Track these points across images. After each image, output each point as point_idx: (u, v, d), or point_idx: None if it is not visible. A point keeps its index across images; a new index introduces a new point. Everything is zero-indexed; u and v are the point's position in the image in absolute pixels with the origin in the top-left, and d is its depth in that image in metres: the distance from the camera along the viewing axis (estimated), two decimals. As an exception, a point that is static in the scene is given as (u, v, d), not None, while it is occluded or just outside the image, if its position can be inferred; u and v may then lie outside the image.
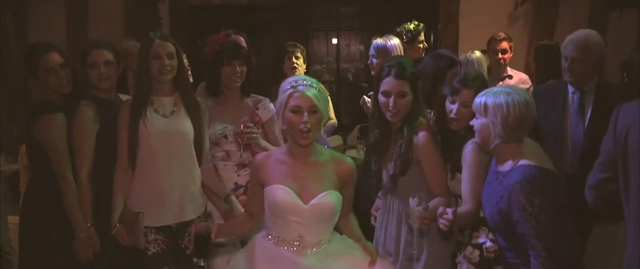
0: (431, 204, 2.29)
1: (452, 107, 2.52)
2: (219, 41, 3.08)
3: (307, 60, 4.15)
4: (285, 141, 2.32)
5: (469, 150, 2.44)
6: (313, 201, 2.23)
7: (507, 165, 2.22)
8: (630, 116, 1.96)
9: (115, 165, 2.70)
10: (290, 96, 2.21)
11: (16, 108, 4.38)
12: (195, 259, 2.27)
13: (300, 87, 2.21)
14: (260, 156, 2.42)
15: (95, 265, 2.82)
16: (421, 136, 2.51)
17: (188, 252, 2.74)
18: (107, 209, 2.70)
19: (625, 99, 2.43)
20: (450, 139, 2.60)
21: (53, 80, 2.81)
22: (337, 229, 2.42)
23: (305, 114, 2.18)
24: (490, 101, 2.18)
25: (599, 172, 2.09)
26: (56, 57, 2.83)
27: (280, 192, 2.24)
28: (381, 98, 2.55)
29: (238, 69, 2.89)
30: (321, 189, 2.25)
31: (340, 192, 2.31)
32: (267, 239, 2.31)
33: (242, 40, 3.37)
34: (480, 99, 2.22)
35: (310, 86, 2.23)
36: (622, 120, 1.98)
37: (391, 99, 2.49)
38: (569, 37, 3.13)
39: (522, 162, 2.17)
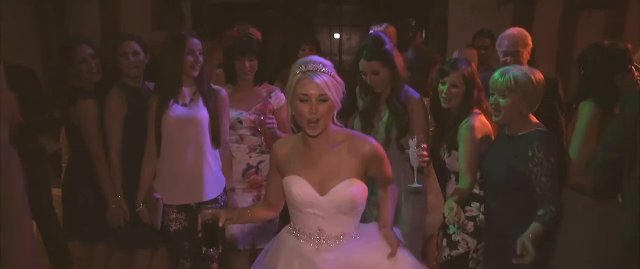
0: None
1: (443, 88, 2.52)
2: (233, 36, 3.02)
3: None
4: (297, 127, 1.93)
5: (465, 128, 2.44)
6: (330, 192, 1.84)
7: (522, 130, 2.22)
8: (636, 103, 1.91)
9: (141, 146, 2.66)
10: (298, 81, 1.78)
11: (57, 94, 4.41)
12: (204, 249, 1.90)
13: (309, 73, 1.77)
14: (278, 143, 2.02)
15: (127, 233, 2.81)
16: (412, 100, 2.60)
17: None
18: (134, 185, 2.68)
19: (580, 89, 2.41)
20: (444, 119, 2.59)
21: (85, 69, 2.81)
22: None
23: (314, 102, 1.76)
24: (517, 76, 2.18)
25: (607, 153, 2.00)
26: (88, 49, 2.82)
27: (296, 184, 1.87)
28: (362, 76, 2.63)
29: (247, 63, 2.82)
30: (340, 179, 1.84)
31: (365, 174, 1.89)
32: (290, 232, 1.96)
33: (257, 34, 3.29)
34: (505, 77, 2.19)
35: (320, 71, 1.78)
36: (631, 107, 1.92)
37: (367, 77, 2.57)
38: (506, 33, 3.15)
39: (537, 127, 2.21)
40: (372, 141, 1.91)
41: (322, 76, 1.77)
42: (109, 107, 2.73)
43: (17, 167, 3.08)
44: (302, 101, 1.77)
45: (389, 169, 1.98)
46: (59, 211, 3.23)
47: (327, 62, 1.82)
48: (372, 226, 1.99)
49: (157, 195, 2.62)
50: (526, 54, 3.17)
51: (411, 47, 3.58)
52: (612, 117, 2.27)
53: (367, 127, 2.66)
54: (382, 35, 2.72)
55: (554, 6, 5.09)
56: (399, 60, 2.65)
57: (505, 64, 3.02)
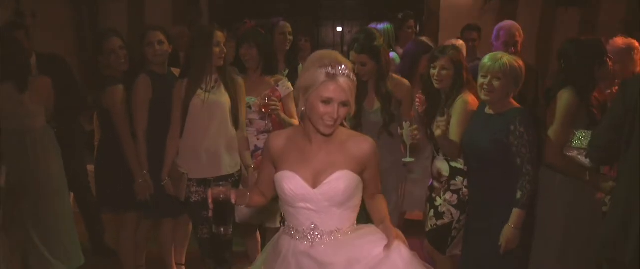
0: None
1: (434, 72, 2.57)
2: (243, 29, 3.03)
3: (317, 45, 4.07)
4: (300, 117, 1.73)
5: (460, 102, 2.51)
6: (322, 184, 1.64)
7: (504, 109, 2.29)
8: (637, 86, 1.90)
9: (166, 126, 2.67)
10: (323, 84, 1.57)
11: (90, 82, 4.43)
12: (214, 228, 1.72)
13: (336, 77, 1.56)
14: (274, 135, 1.81)
15: (153, 204, 2.85)
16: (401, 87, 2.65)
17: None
18: (159, 162, 2.71)
19: (559, 78, 2.42)
20: (436, 99, 2.62)
21: (114, 59, 2.81)
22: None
23: (336, 107, 1.58)
24: (510, 61, 2.27)
25: (607, 134, 2.00)
26: (117, 41, 2.82)
27: (287, 180, 1.67)
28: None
29: (247, 51, 2.81)
30: (333, 171, 1.65)
31: (361, 174, 1.70)
32: (285, 231, 1.74)
33: (286, 26, 3.32)
34: (500, 62, 2.26)
35: (347, 76, 1.58)
36: (630, 89, 1.92)
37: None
38: (504, 25, 3.12)
39: (516, 106, 2.29)
40: (373, 143, 1.72)
41: (347, 81, 1.58)
42: (136, 92, 2.74)
43: (54, 148, 3.13)
44: (324, 102, 1.58)
45: (378, 178, 1.78)
46: (93, 185, 3.25)
47: (348, 64, 1.62)
48: (369, 225, 1.75)
49: (182, 170, 2.64)
50: (521, 44, 3.15)
51: (412, 39, 3.57)
52: (588, 104, 2.28)
53: (359, 110, 2.68)
54: (376, 31, 2.73)
55: (535, 3, 5.06)
56: (386, 55, 2.70)
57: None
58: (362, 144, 1.69)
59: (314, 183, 1.65)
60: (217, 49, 2.58)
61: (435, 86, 2.57)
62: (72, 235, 3.25)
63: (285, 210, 1.73)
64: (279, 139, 1.75)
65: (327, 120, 1.59)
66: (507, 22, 3.13)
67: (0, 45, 2.93)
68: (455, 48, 2.63)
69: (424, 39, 3.27)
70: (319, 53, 1.65)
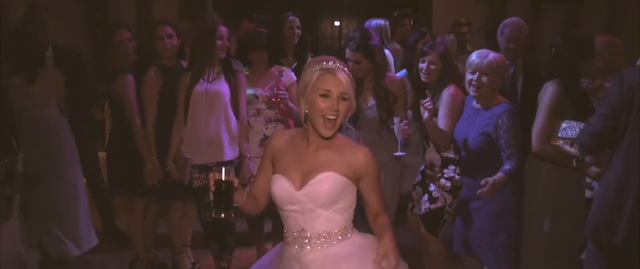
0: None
1: (422, 66, 2.57)
2: (245, 30, 3.02)
3: (317, 40, 4.04)
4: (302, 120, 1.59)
5: (446, 95, 2.51)
6: (307, 185, 1.50)
7: (492, 104, 2.31)
8: (635, 77, 1.88)
9: (174, 116, 2.65)
10: (319, 77, 1.47)
11: (101, 72, 4.43)
12: (214, 213, 1.49)
13: (332, 70, 1.47)
14: (277, 133, 1.69)
15: (162, 187, 2.84)
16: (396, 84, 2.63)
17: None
18: (167, 149, 2.69)
19: (550, 69, 2.40)
20: (423, 90, 2.59)
21: (123, 50, 2.79)
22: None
23: (335, 99, 1.46)
24: (497, 58, 2.29)
25: (604, 122, 1.95)
26: (126, 33, 2.80)
27: (276, 182, 1.55)
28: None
29: (258, 55, 2.83)
30: (320, 173, 1.50)
31: (356, 182, 1.53)
32: (283, 238, 1.60)
33: (295, 21, 3.27)
34: (488, 59, 2.28)
35: (342, 69, 1.49)
36: (628, 80, 1.89)
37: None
38: (508, 22, 3.04)
39: (503, 101, 2.32)
40: (370, 154, 1.55)
41: (344, 75, 1.49)
42: (146, 83, 2.73)
43: (67, 136, 3.12)
44: (323, 96, 1.47)
45: (379, 195, 1.56)
46: (104, 171, 3.26)
47: (344, 64, 1.54)
48: (366, 235, 1.58)
49: (186, 156, 2.65)
50: (524, 41, 3.05)
51: (413, 30, 3.62)
52: (572, 96, 2.27)
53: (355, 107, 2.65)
54: (371, 30, 2.70)
55: (522, 0, 5.02)
56: (381, 54, 2.66)
57: (508, 49, 2.97)
58: (358, 153, 1.53)
59: (301, 185, 1.52)
60: (219, 43, 2.57)
61: (423, 79, 2.57)
62: (85, 218, 3.25)
63: (281, 216, 1.59)
64: (282, 139, 1.63)
65: (329, 115, 1.46)
66: (513, 19, 3.07)
67: (17, 38, 2.93)
68: (444, 45, 2.63)
69: (424, 29, 3.26)
70: (315, 57, 1.58)
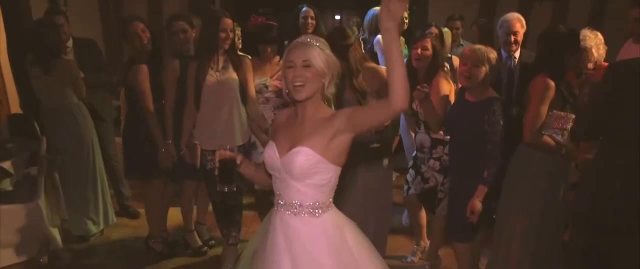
0: None
1: (416, 51, 2.58)
2: (252, 23, 2.97)
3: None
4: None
5: (437, 82, 2.53)
6: (286, 155, 1.50)
7: (482, 96, 2.29)
8: (627, 70, 1.86)
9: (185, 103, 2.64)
10: (286, 53, 1.50)
11: (116, 62, 4.41)
12: (219, 185, 1.63)
13: (297, 42, 1.48)
14: (281, 111, 1.72)
15: (176, 169, 2.83)
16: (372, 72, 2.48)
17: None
18: (179, 133, 2.69)
19: (535, 63, 2.37)
20: (415, 77, 2.59)
21: (138, 41, 2.75)
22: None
23: (298, 68, 1.45)
24: (488, 51, 2.27)
25: (597, 112, 1.94)
26: (139, 25, 2.76)
27: (267, 148, 1.57)
28: None
29: (269, 48, 2.79)
30: (298, 145, 1.48)
31: (339, 136, 1.45)
32: None
33: (309, 11, 3.24)
34: (478, 52, 2.27)
35: (309, 42, 1.47)
36: (620, 72, 1.87)
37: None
38: (507, 17, 2.99)
39: (493, 95, 2.30)
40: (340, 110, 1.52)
41: (309, 45, 1.46)
42: (166, 72, 2.73)
43: (87, 121, 3.12)
44: (288, 67, 1.47)
45: (371, 112, 1.43)
46: (120, 154, 3.26)
47: (321, 39, 1.51)
48: (338, 221, 1.53)
49: (196, 141, 2.64)
50: (522, 34, 3.00)
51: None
52: (560, 88, 2.24)
53: (340, 101, 2.53)
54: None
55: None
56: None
57: (507, 43, 2.94)
58: (332, 116, 1.47)
59: (284, 154, 1.51)
60: (223, 34, 2.54)
61: (413, 64, 2.58)
62: (104, 198, 3.27)
63: None
64: (283, 115, 1.65)
65: (295, 82, 1.45)
66: (511, 14, 3.02)
67: (43, 28, 2.91)
68: (437, 32, 2.64)
69: (431, 24, 3.19)
70: None
